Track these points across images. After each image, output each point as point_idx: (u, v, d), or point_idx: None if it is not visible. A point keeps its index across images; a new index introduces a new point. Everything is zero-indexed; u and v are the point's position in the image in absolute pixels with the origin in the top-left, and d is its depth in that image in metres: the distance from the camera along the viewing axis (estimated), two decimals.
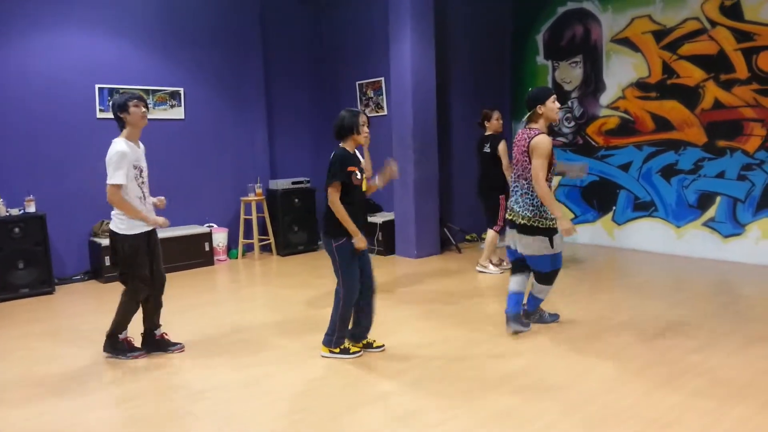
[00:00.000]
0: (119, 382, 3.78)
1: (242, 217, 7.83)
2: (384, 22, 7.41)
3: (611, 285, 5.80)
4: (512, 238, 4.33)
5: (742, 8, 6.18)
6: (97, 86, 6.80)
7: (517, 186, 4.26)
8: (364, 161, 4.30)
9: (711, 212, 6.63)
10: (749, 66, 6.19)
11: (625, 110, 7.29)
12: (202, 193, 7.63)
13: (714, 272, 6.14)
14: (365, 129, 3.94)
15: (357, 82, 8.29)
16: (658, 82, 6.93)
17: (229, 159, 7.93)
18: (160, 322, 4.31)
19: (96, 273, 6.73)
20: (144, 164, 4.09)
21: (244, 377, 3.79)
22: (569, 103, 7.87)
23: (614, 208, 7.53)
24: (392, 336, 4.39)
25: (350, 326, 4.07)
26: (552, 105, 4.14)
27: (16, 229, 5.95)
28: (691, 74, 6.65)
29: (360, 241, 3.86)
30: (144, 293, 4.07)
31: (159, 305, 4.24)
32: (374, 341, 4.18)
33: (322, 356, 4.04)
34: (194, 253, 7.10)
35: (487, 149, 6.17)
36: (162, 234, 4.94)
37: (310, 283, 6.14)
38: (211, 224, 7.64)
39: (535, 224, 4.11)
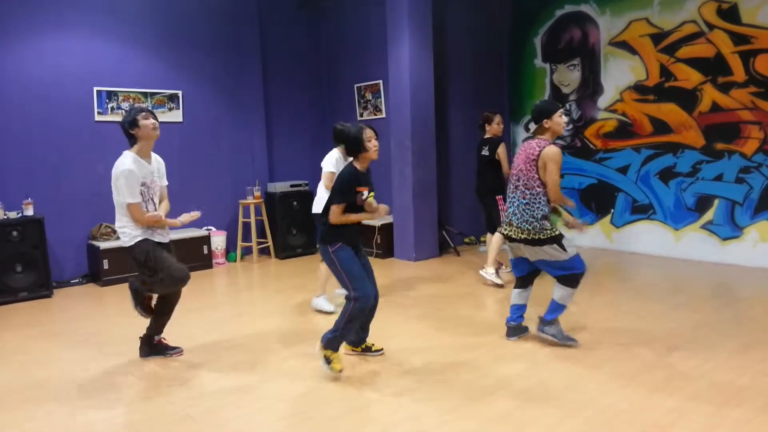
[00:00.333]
0: (117, 386, 3.77)
1: (240, 220, 7.82)
2: (382, 26, 7.42)
3: (609, 288, 5.80)
4: (515, 249, 4.20)
5: (740, 11, 6.20)
6: (95, 89, 6.80)
7: (515, 196, 4.10)
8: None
9: (709, 215, 6.63)
10: (747, 69, 6.20)
11: (623, 113, 7.30)
12: (200, 196, 7.62)
13: (712, 275, 6.15)
14: (373, 143, 3.75)
15: (355, 85, 8.30)
16: (656, 85, 6.94)
17: (228, 162, 7.93)
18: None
19: (94, 276, 6.73)
20: (153, 179, 3.94)
21: (242, 381, 3.78)
22: (567, 105, 7.88)
23: (612, 210, 7.54)
24: (391, 339, 4.38)
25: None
26: (558, 119, 4.09)
27: (14, 233, 5.94)
28: (688, 77, 6.66)
29: (379, 211, 3.76)
30: (174, 284, 3.88)
31: (170, 312, 4.16)
32: (373, 345, 4.17)
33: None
34: (193, 257, 7.09)
35: (485, 152, 6.10)
36: None
37: (309, 287, 6.13)
38: (209, 227, 7.64)
39: (537, 236, 3.98)
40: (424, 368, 3.88)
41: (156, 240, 3.93)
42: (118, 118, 6.91)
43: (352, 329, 3.76)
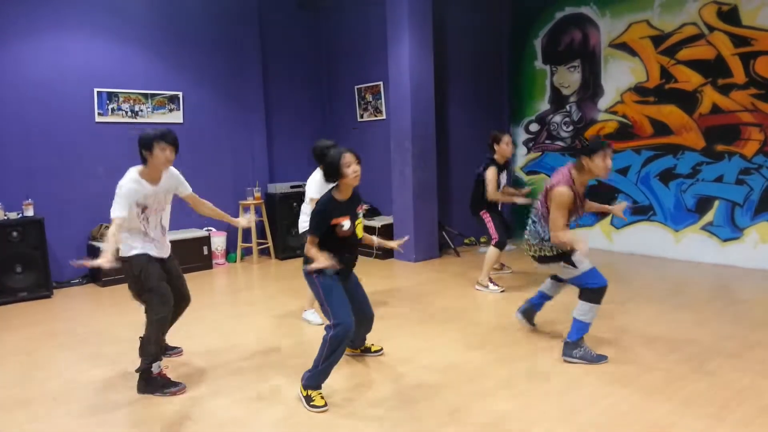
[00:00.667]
0: (117, 387, 3.77)
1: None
2: (382, 27, 7.43)
3: (609, 289, 5.75)
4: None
5: (740, 13, 6.20)
6: (95, 90, 6.80)
7: (532, 213, 4.09)
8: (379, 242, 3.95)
9: (709, 216, 6.63)
10: (747, 71, 6.21)
11: (623, 115, 7.31)
12: (200, 196, 7.59)
13: (712, 276, 6.15)
14: (353, 168, 3.35)
15: (355, 87, 8.30)
16: (657, 86, 6.94)
17: (228, 163, 7.93)
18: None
19: (94, 277, 6.73)
20: (157, 199, 3.78)
21: (241, 382, 3.78)
22: (567, 107, 7.88)
23: None
24: (390, 340, 4.38)
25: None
26: (599, 162, 3.79)
27: (15, 233, 5.95)
28: (689, 79, 6.66)
29: (320, 262, 3.27)
30: (162, 309, 3.68)
31: (174, 320, 4.05)
32: (372, 345, 4.17)
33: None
34: (193, 257, 7.10)
35: (479, 170, 5.94)
36: None
37: (305, 292, 6.12)
38: (209, 228, 7.64)
39: (543, 253, 3.97)
40: (424, 369, 3.88)
41: (154, 255, 3.78)
42: (119, 119, 6.97)
43: (333, 362, 3.36)
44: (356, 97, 8.34)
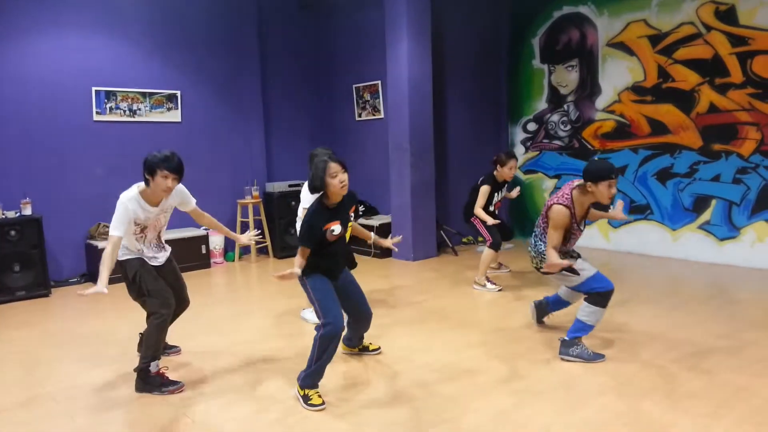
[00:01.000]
0: (115, 386, 3.78)
1: (239, 219, 7.83)
2: (381, 26, 7.43)
3: None
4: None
5: (737, 13, 6.21)
6: (93, 89, 6.80)
7: (536, 225, 4.14)
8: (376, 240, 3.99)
9: (706, 215, 6.65)
10: (744, 70, 6.22)
11: (620, 114, 7.32)
12: (198, 195, 7.48)
13: (709, 275, 6.17)
14: (337, 180, 3.30)
15: (354, 86, 8.31)
16: (654, 85, 6.96)
17: (226, 162, 7.93)
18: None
19: (92, 276, 6.73)
20: (157, 218, 3.76)
21: (239, 382, 3.79)
22: (565, 106, 7.89)
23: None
24: (388, 339, 4.39)
25: (345, 332, 4.04)
26: (604, 190, 3.75)
27: (13, 232, 5.94)
28: (686, 78, 6.68)
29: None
30: (163, 311, 3.69)
31: (171, 321, 4.01)
32: (370, 344, 4.18)
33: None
34: (191, 256, 7.10)
35: (479, 181, 5.99)
36: None
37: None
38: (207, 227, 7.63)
39: (542, 265, 4.00)
40: (422, 368, 3.89)
41: (148, 261, 3.80)
42: (117, 118, 6.96)
43: (326, 361, 3.38)
44: (354, 96, 8.34)
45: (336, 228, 3.41)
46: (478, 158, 8.12)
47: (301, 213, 4.65)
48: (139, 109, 7.13)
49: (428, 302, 5.46)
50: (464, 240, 8.30)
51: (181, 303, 4.03)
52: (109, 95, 6.91)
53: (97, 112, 6.85)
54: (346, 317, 3.65)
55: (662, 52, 6.84)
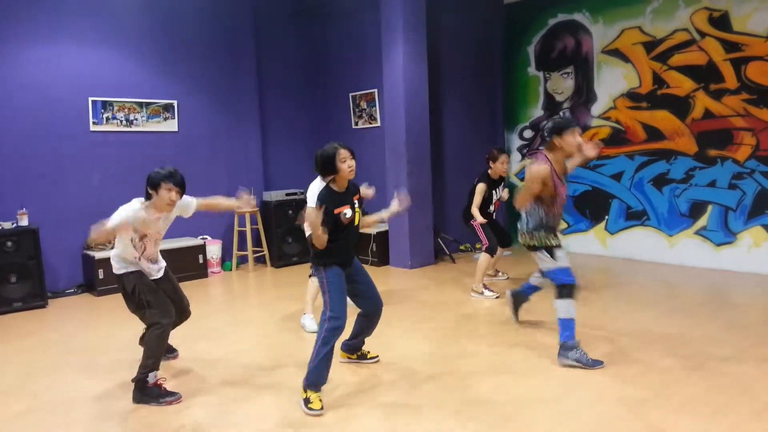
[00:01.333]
0: (112, 397, 3.76)
1: (236, 228, 7.82)
2: (377, 35, 7.46)
3: (604, 294, 5.81)
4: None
5: (731, 19, 6.26)
6: (90, 99, 6.80)
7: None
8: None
9: (703, 221, 6.67)
10: (738, 76, 6.26)
11: (616, 120, 7.35)
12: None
13: (706, 281, 6.17)
14: (347, 165, 3.59)
15: (350, 94, 8.33)
16: (649, 92, 6.99)
17: (223, 171, 7.93)
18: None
19: (89, 286, 6.71)
20: (155, 229, 3.78)
21: (235, 391, 3.77)
22: (561, 113, 7.92)
23: (607, 217, 7.57)
24: (386, 347, 4.38)
25: (348, 336, 4.07)
26: (570, 139, 3.89)
27: (9, 243, 5.93)
28: (681, 84, 6.71)
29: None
30: (163, 324, 3.68)
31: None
32: (368, 352, 4.17)
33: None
34: (188, 266, 7.08)
35: (475, 181, 6.02)
36: None
37: (305, 295, 6.11)
38: (204, 236, 7.63)
39: (532, 243, 4.08)
40: (420, 375, 3.88)
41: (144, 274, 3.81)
42: (114, 128, 6.97)
43: (328, 356, 3.47)
44: (351, 104, 8.36)
45: (348, 212, 3.61)
46: (475, 166, 8.10)
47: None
48: (136, 119, 7.14)
49: (426, 310, 5.46)
50: (462, 247, 8.30)
51: (182, 314, 4.04)
52: (106, 105, 6.91)
53: (93, 123, 6.85)
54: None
55: (657, 59, 6.88)
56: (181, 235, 7.37)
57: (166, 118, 7.38)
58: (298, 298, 6.06)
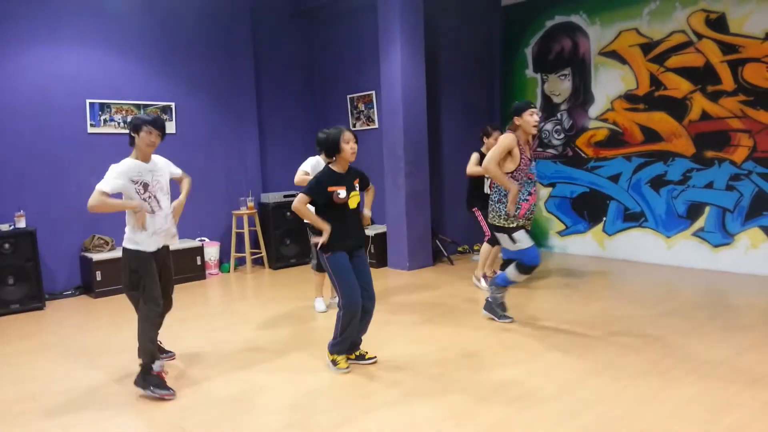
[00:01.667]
0: (109, 397, 3.75)
1: (234, 230, 7.82)
2: (375, 37, 7.47)
3: (602, 295, 5.82)
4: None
5: (727, 21, 6.28)
6: (87, 101, 6.79)
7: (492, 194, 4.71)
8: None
9: (700, 222, 6.68)
10: (735, 78, 6.28)
11: (613, 122, 7.36)
12: (193, 207, 7.56)
13: (704, 282, 6.19)
14: (350, 146, 3.82)
15: (348, 96, 8.33)
16: (646, 94, 7.01)
17: (221, 173, 7.93)
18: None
19: (87, 288, 6.70)
20: (154, 177, 3.92)
21: (234, 392, 3.77)
22: (558, 115, 7.94)
23: (604, 218, 7.58)
24: (385, 348, 4.38)
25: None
26: (528, 118, 4.43)
27: (7, 245, 5.91)
28: (678, 86, 6.73)
29: (321, 236, 3.78)
30: (152, 308, 3.78)
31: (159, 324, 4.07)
32: (366, 353, 4.17)
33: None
34: (186, 267, 7.07)
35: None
36: None
37: (302, 296, 6.13)
38: (202, 238, 7.63)
39: (494, 222, 4.58)
40: (418, 376, 3.88)
41: (153, 250, 3.83)
42: (111, 130, 6.96)
43: (351, 334, 3.92)
44: (349, 106, 8.36)
45: (342, 192, 3.77)
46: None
47: (297, 174, 5.25)
48: None
49: (424, 312, 5.46)
50: (460, 249, 8.30)
51: (166, 304, 4.09)
52: (104, 107, 6.91)
53: (91, 125, 6.84)
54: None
55: (654, 61, 6.90)
56: (179, 236, 7.34)
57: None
58: (296, 299, 6.07)
